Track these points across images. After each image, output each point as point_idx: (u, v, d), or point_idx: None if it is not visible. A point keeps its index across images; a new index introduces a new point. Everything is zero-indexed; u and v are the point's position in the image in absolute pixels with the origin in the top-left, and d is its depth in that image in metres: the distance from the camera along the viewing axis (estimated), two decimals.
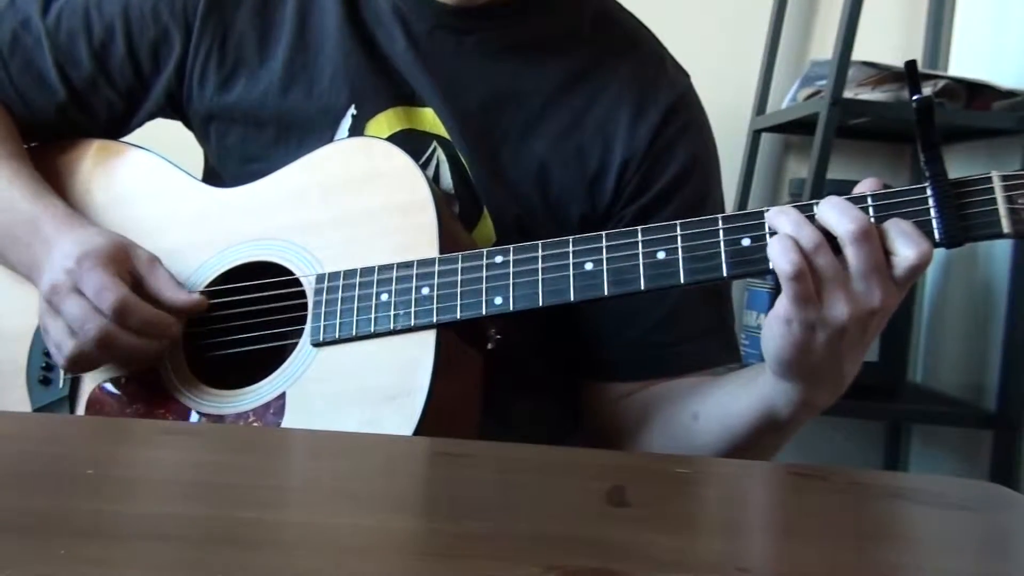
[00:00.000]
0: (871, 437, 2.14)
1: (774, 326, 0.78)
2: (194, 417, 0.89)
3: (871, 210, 0.76)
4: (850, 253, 0.74)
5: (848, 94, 1.76)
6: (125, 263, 0.89)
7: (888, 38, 2.08)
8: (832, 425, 2.08)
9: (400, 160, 0.89)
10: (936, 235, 0.75)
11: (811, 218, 0.76)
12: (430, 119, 0.97)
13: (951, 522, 0.65)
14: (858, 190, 0.78)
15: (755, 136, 2.11)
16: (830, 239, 0.75)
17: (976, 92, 1.78)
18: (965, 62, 2.02)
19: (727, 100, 2.01)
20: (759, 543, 0.58)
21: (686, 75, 1.03)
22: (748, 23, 2.11)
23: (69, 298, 0.87)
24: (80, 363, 0.89)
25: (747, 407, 0.85)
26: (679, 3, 2.01)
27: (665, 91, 0.99)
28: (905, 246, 0.74)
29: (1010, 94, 1.79)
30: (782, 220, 0.76)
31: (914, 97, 0.77)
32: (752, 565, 0.53)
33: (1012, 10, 1.90)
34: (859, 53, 1.75)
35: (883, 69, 1.81)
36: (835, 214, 0.75)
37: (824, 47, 2.03)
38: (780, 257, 0.75)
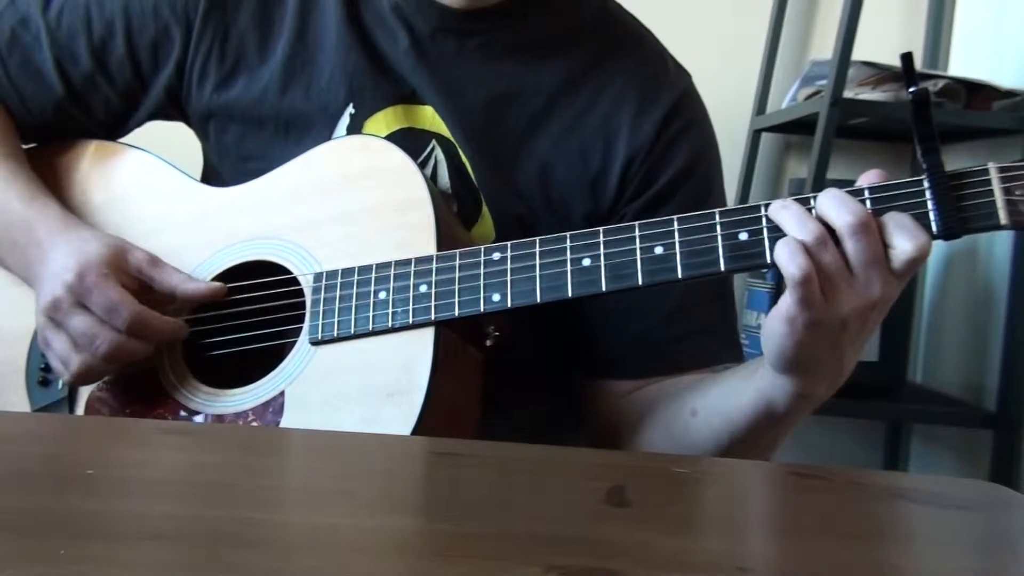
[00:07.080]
0: (871, 437, 2.14)
1: (776, 325, 0.77)
2: (193, 417, 0.89)
3: (868, 203, 0.76)
4: (849, 246, 0.75)
5: (848, 94, 1.76)
6: (125, 268, 0.89)
7: (888, 38, 2.08)
8: (832, 425, 2.08)
9: (398, 158, 0.89)
10: (934, 228, 0.75)
11: (810, 211, 0.76)
12: (429, 117, 0.97)
13: (951, 522, 0.64)
14: (861, 181, 0.78)
15: (755, 136, 2.11)
16: (830, 232, 0.75)
17: (976, 92, 1.78)
18: (965, 62, 2.02)
19: (727, 100, 2.01)
20: (759, 543, 0.58)
21: (687, 74, 1.03)
22: (748, 23, 2.11)
23: (73, 314, 0.87)
24: (87, 378, 0.90)
25: (746, 402, 0.85)
26: (679, 3, 2.01)
27: (667, 89, 0.99)
28: (903, 239, 0.74)
29: (1010, 94, 1.79)
30: (785, 217, 0.76)
31: (910, 89, 0.77)
32: (752, 565, 0.53)
33: (1012, 10, 1.90)
34: (859, 53, 1.75)
35: (883, 69, 1.80)
36: (834, 207, 0.75)
37: (824, 47, 2.03)
38: (789, 262, 0.74)
